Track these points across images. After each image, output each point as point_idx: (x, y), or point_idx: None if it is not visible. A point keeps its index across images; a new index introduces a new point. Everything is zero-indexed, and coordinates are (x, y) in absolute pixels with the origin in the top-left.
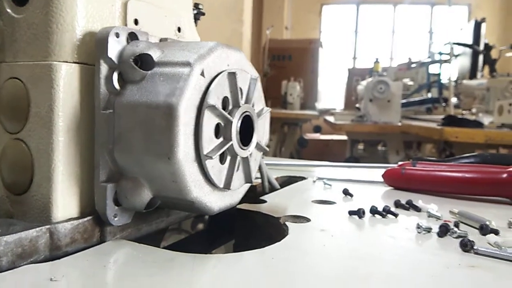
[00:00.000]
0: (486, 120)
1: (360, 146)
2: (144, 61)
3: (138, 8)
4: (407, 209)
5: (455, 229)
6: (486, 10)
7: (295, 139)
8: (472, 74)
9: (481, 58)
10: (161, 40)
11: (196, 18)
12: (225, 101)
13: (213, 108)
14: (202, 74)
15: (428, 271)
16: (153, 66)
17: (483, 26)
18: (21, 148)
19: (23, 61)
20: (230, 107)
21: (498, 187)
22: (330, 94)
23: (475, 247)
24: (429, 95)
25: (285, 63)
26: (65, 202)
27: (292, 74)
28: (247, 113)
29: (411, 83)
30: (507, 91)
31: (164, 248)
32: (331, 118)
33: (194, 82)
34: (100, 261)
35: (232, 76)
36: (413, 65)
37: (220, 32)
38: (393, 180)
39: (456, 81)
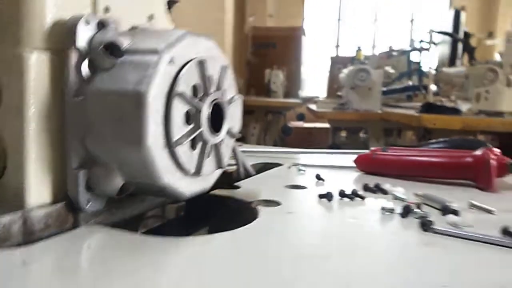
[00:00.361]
0: (464, 107)
1: (343, 134)
2: (114, 49)
3: None
4: (375, 192)
5: (417, 210)
6: None
7: (279, 127)
8: (452, 62)
9: (460, 46)
10: (132, 27)
11: (170, 5)
12: (195, 88)
13: (182, 95)
14: (171, 62)
15: (385, 249)
16: (122, 54)
17: (463, 15)
18: None
19: None
20: (200, 94)
21: (463, 170)
22: (314, 82)
23: (433, 227)
24: (410, 83)
25: (268, 51)
26: (38, 188)
27: (275, 62)
28: (217, 101)
29: (392, 71)
30: (485, 78)
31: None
32: (313, 106)
33: (162, 70)
34: (73, 246)
35: (201, 64)
36: (394, 54)
37: (202, 21)
38: (364, 165)
39: (436, 69)
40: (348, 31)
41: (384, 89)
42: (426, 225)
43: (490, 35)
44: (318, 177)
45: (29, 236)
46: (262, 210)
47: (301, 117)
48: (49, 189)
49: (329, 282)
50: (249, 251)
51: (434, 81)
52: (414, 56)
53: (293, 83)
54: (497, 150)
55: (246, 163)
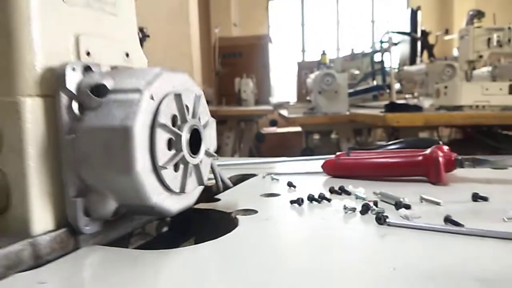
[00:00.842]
0: (426, 103)
1: (316, 136)
2: (99, 90)
3: (88, 41)
4: (340, 193)
5: (374, 207)
6: None
7: (253, 134)
8: (412, 60)
9: (419, 44)
10: (111, 67)
11: (142, 40)
12: (174, 118)
13: (163, 126)
14: (151, 98)
15: (348, 242)
16: (107, 94)
17: (419, 14)
18: (0, 174)
19: None
20: (179, 123)
21: (415, 168)
22: (283, 88)
23: (387, 220)
24: (375, 82)
25: (236, 60)
26: (41, 217)
27: (244, 70)
28: (194, 127)
29: (357, 72)
30: (443, 74)
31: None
32: (285, 112)
33: (145, 105)
34: (77, 264)
35: (178, 97)
36: (357, 56)
37: (168, 36)
38: (330, 169)
39: (398, 68)
40: (313, 35)
41: (351, 90)
42: (381, 220)
43: (447, 32)
44: (290, 184)
45: (38, 260)
46: (241, 219)
47: (273, 123)
48: (51, 217)
49: (305, 271)
50: (232, 257)
51: (397, 80)
52: (377, 57)
53: (263, 90)
54: (445, 147)
55: (224, 177)
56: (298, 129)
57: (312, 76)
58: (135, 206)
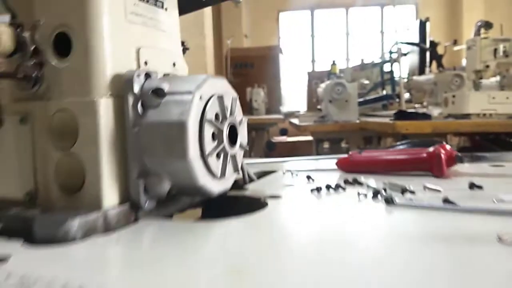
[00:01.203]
0: (435, 111)
1: (326, 145)
2: (159, 92)
3: (146, 52)
4: (353, 184)
5: (383, 192)
6: (432, 7)
7: (263, 143)
8: (421, 70)
9: (428, 54)
10: (164, 75)
11: (183, 52)
12: (216, 115)
13: (210, 121)
14: (201, 98)
15: (360, 219)
16: (165, 95)
17: (428, 25)
18: (75, 160)
19: (69, 97)
20: (220, 119)
21: (420, 163)
22: (294, 97)
23: (395, 202)
24: (384, 92)
25: (247, 71)
26: (110, 195)
27: (255, 80)
28: (232, 123)
29: (367, 82)
30: (452, 84)
31: None
32: (295, 120)
33: (196, 104)
34: (138, 232)
35: (220, 98)
36: (366, 66)
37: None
38: (344, 165)
39: (408, 78)
40: (322, 46)
41: (361, 99)
42: (389, 201)
43: (455, 42)
44: (309, 177)
45: (108, 228)
46: (269, 202)
47: (284, 132)
48: (117, 195)
49: (325, 237)
50: (266, 229)
51: (406, 89)
52: (387, 67)
53: (273, 100)
54: (448, 146)
55: (250, 171)
56: (309, 138)
57: (322, 85)
58: (185, 187)
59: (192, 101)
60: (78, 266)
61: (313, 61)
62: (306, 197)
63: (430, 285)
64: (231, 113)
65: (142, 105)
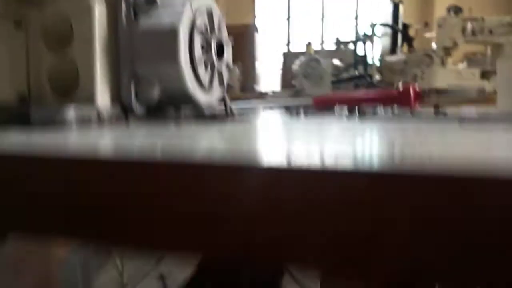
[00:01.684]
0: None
1: None
2: (150, 1)
3: None
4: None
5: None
6: None
7: None
8: (393, 51)
9: (400, 36)
10: None
11: None
12: (206, 28)
13: (199, 31)
14: (191, 7)
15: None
16: (156, 3)
17: (401, 7)
18: (70, 61)
19: (64, 1)
20: (210, 33)
21: (392, 98)
22: (268, 78)
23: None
24: (357, 73)
25: None
26: (103, 96)
27: None
28: (219, 40)
29: (340, 64)
30: (421, 63)
31: None
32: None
33: (187, 13)
34: (127, 131)
35: (209, 10)
36: (341, 46)
37: None
38: (320, 103)
39: (380, 59)
40: (298, 28)
41: (334, 79)
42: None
43: (426, 25)
44: (287, 108)
45: (101, 122)
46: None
47: None
48: (109, 97)
49: None
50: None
51: (378, 70)
52: (360, 49)
53: (248, 78)
54: (416, 85)
55: (232, 106)
56: None
57: (297, 61)
58: (174, 93)
59: (184, 10)
60: (74, 137)
61: (288, 43)
62: (280, 117)
63: None
64: (219, 30)
65: (135, 12)
